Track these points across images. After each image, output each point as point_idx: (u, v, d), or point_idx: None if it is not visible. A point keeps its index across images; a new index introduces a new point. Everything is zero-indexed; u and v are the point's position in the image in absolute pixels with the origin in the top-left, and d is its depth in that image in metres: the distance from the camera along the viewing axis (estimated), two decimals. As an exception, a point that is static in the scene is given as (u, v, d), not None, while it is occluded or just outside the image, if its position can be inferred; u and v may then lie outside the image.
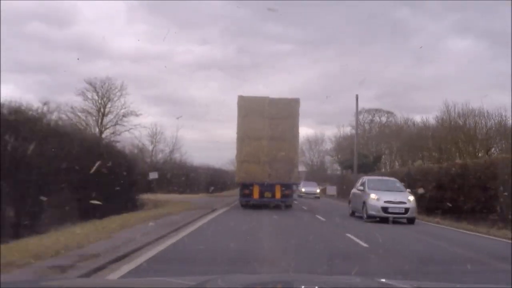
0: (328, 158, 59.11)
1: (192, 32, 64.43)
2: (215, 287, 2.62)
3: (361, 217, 15.78)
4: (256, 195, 18.72)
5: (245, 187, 18.98)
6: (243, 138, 18.67)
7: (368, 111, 48.37)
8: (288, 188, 19.22)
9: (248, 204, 19.14)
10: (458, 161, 21.90)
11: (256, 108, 18.57)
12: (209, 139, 68.23)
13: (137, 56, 55.74)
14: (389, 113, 48.37)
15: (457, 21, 58.71)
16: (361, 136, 43.68)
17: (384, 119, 49.20)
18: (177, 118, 45.54)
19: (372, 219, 14.90)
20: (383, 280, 3.18)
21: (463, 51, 59.13)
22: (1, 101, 9.53)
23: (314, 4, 60.33)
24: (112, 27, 56.25)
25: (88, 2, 58.49)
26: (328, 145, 57.93)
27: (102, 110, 34.87)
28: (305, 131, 60.37)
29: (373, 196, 15.24)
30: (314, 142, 59.47)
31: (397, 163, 43.11)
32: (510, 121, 29.70)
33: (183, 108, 61.45)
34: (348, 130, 50.11)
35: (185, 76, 61.73)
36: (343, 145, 50.70)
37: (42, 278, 5.04)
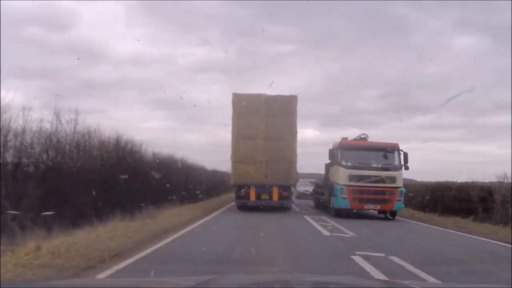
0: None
1: (193, 33, 63.95)
2: (214, 287, 2.60)
3: None
4: (252, 197, 18.23)
5: (241, 189, 18.48)
6: (238, 137, 18.01)
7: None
8: (286, 189, 18.58)
9: (244, 206, 18.67)
10: None
11: (251, 106, 17.88)
12: (213, 142, 67.96)
13: (138, 59, 55.41)
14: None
15: (457, 16, 58.42)
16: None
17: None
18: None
19: None
20: (382, 280, 3.08)
21: (466, 47, 58.87)
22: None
23: (312, 3, 60.18)
24: (112, 30, 55.77)
25: (87, 6, 57.88)
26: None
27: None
28: (312, 133, 59.25)
29: None
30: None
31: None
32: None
33: (186, 111, 60.86)
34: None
35: (187, 79, 61.27)
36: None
37: (42, 278, 5.05)
